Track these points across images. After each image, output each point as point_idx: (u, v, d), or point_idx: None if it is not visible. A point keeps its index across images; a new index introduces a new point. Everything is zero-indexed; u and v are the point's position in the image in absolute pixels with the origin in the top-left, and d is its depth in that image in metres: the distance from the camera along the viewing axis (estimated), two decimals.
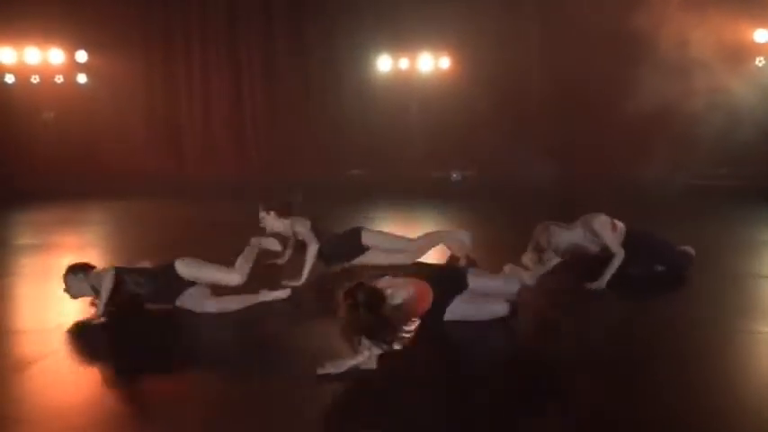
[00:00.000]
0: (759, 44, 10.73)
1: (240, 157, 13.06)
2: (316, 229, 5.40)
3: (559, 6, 10.85)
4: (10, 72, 12.16)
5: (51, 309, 4.74)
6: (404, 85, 12.60)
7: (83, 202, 10.20)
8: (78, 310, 4.61)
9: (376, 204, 9.66)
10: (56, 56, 12.29)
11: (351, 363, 3.70)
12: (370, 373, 3.54)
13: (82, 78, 12.57)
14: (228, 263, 4.73)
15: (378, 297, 3.65)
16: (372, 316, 3.58)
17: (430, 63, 12.38)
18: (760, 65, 10.73)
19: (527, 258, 5.14)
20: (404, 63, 12.48)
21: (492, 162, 11.78)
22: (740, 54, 10.56)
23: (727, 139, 10.06)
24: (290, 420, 3.13)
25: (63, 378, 3.66)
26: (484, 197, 10.29)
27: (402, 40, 12.31)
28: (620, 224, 5.25)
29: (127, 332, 4.36)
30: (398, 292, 3.74)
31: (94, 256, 5.90)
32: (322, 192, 10.35)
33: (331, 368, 3.68)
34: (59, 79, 12.39)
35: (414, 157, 12.43)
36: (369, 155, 12.68)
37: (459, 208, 9.23)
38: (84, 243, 7.47)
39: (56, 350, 3.99)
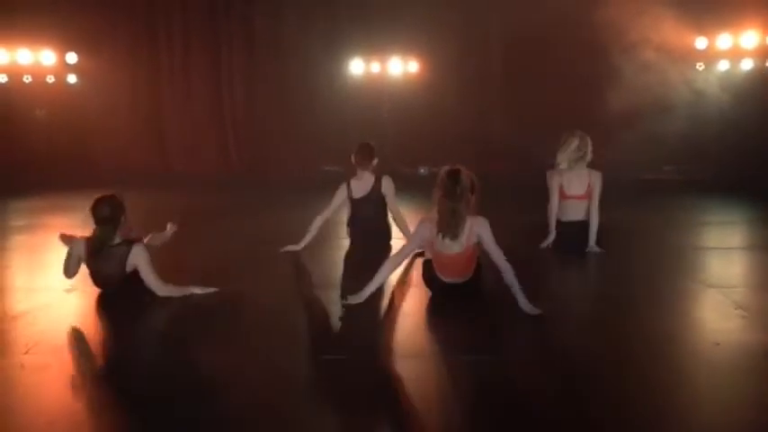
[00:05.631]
0: (699, 50, 11.64)
1: (220, 154, 13.81)
2: None
3: (519, 17, 11.71)
4: (3, 72, 12.82)
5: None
6: (375, 87, 13.41)
7: (71, 192, 10.87)
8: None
9: None
10: (47, 57, 12.96)
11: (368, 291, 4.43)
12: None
13: (72, 78, 13.29)
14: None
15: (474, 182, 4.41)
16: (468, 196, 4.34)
17: (399, 67, 13.20)
18: (700, 69, 11.63)
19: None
20: (375, 67, 13.28)
21: (455, 158, 12.57)
22: (684, 58, 11.47)
23: (674, 137, 11.00)
24: None
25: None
26: None
27: (373, 46, 13.12)
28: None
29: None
30: None
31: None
32: (298, 185, 11.22)
33: (353, 300, 4.40)
34: (51, 79, 13.08)
35: (384, 155, 13.15)
36: (342, 152, 13.42)
37: (427, 199, 9.92)
38: (73, 224, 8.20)
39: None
